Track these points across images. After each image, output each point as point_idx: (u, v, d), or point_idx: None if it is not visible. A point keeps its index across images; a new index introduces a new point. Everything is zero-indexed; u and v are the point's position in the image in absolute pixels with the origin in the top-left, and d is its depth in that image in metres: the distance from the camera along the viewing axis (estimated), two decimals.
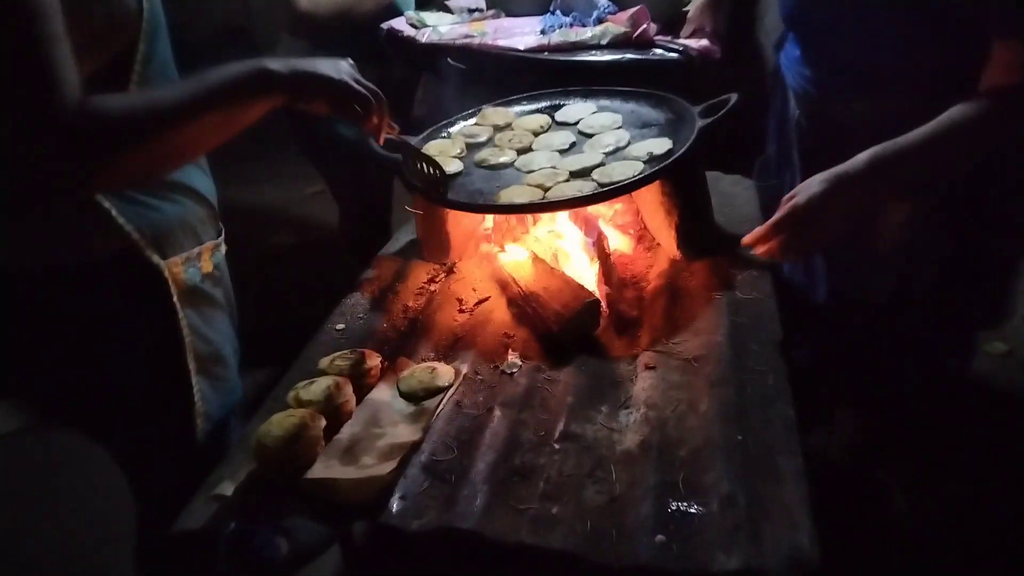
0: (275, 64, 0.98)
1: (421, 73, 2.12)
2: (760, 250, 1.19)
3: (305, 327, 1.33)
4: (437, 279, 1.43)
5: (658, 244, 1.44)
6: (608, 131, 1.48)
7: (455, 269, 1.44)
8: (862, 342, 1.49)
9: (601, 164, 1.35)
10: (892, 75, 1.28)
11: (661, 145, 1.35)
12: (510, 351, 1.16)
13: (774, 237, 1.17)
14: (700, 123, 1.35)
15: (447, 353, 1.19)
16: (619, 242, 1.48)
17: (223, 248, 1.30)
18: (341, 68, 1.07)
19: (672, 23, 1.98)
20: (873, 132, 1.30)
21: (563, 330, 1.17)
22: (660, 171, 1.25)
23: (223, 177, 1.30)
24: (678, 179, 1.31)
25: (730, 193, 1.62)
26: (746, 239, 1.19)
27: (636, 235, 1.49)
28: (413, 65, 2.05)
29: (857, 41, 1.30)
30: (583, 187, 1.27)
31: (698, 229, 1.34)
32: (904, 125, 1.16)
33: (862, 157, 1.14)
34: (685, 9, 2.11)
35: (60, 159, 0.82)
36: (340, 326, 1.30)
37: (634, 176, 1.26)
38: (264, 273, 3.15)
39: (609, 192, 1.23)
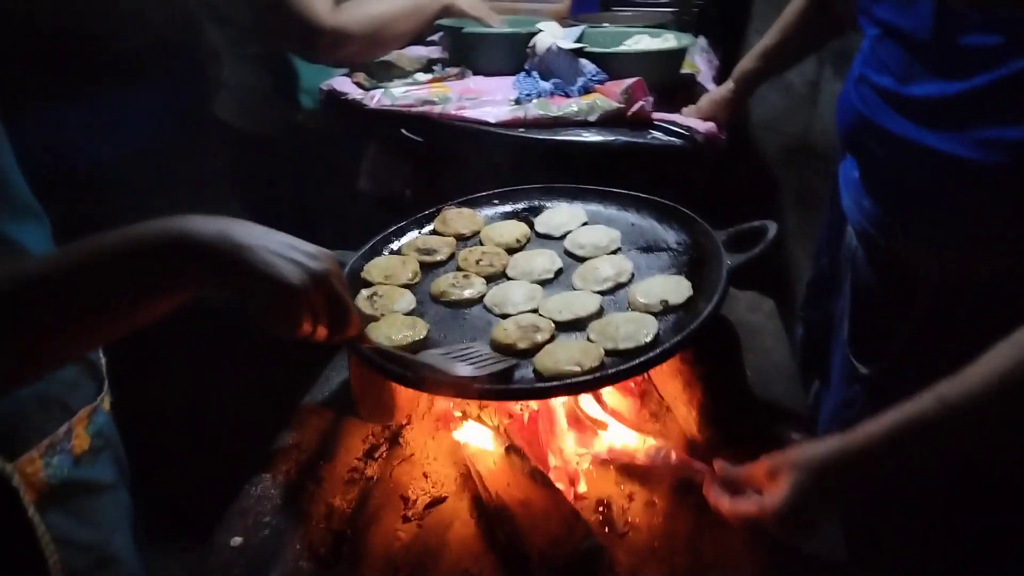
0: (203, 229, 0.66)
1: (369, 140, 1.76)
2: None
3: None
4: (377, 454, 1.07)
5: (668, 409, 1.11)
6: (604, 255, 1.15)
7: (401, 438, 1.09)
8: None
9: (599, 313, 1.02)
10: (975, 225, 0.98)
11: (678, 290, 1.02)
12: None
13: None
14: (728, 261, 1.03)
15: None
16: (617, 401, 1.15)
17: (106, 403, 0.95)
18: (299, 259, 0.72)
19: (667, 92, 1.67)
20: (951, 287, 1.00)
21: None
22: (686, 340, 0.92)
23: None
24: (704, 342, 0.98)
25: (750, 325, 1.30)
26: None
27: (639, 391, 1.15)
28: (359, 133, 1.70)
29: (931, 181, 1.00)
30: (575, 352, 0.93)
31: (727, 408, 1.01)
32: (992, 285, 0.86)
33: (833, 442, 0.78)
34: (685, 72, 1.81)
35: None
36: (237, 540, 0.94)
37: (647, 342, 0.93)
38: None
39: (616, 375, 0.90)
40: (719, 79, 1.98)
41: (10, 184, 0.80)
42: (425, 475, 1.02)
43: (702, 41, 2.11)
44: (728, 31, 2.98)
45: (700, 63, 1.98)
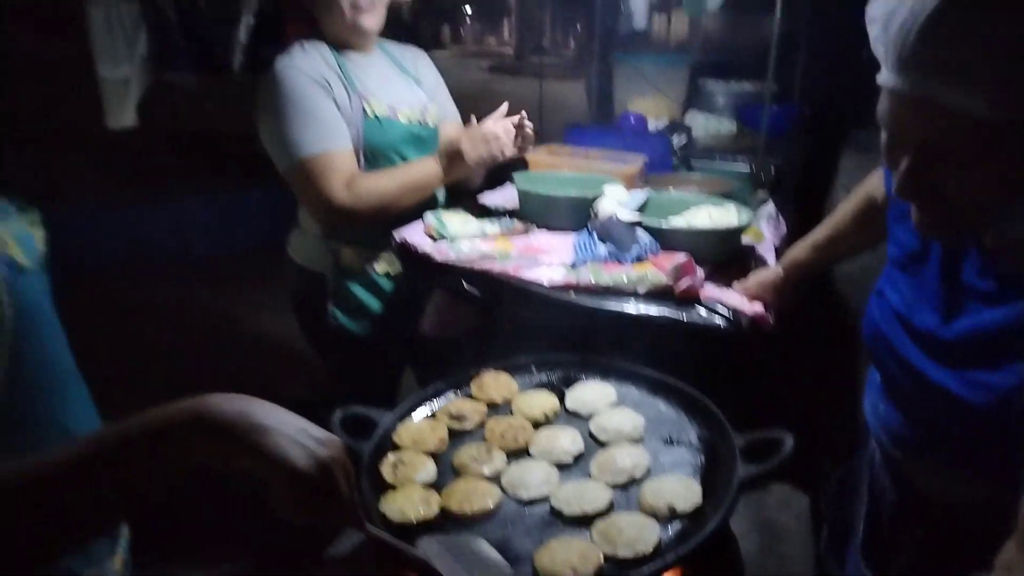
0: (223, 408, 0.73)
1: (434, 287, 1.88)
2: None
3: None
4: None
5: None
6: (624, 444, 1.17)
7: None
8: None
9: (607, 510, 1.04)
10: (968, 455, 0.96)
11: (687, 496, 1.03)
12: None
13: None
14: (740, 472, 1.03)
15: None
16: None
17: (117, 561, 0.99)
18: (309, 444, 0.77)
19: (721, 267, 1.71)
20: (956, 508, 0.97)
21: None
22: (681, 559, 0.93)
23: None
24: (705, 561, 0.98)
25: (776, 526, 1.27)
26: None
27: None
28: (425, 281, 1.82)
29: (930, 407, 0.99)
30: (574, 554, 0.95)
31: None
32: (991, 511, 0.83)
33: None
34: (745, 242, 1.85)
35: None
36: None
37: (644, 554, 0.94)
38: None
39: None
40: (785, 245, 2.00)
41: (59, 361, 0.90)
42: None
43: (770, 207, 2.15)
44: (808, 188, 3.00)
45: (765, 230, 2.01)
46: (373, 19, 1.74)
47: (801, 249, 1.55)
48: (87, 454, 0.70)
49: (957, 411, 0.93)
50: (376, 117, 1.76)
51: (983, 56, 0.70)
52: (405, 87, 1.88)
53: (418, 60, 1.98)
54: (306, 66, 1.66)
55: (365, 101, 1.74)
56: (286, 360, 3.64)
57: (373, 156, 1.77)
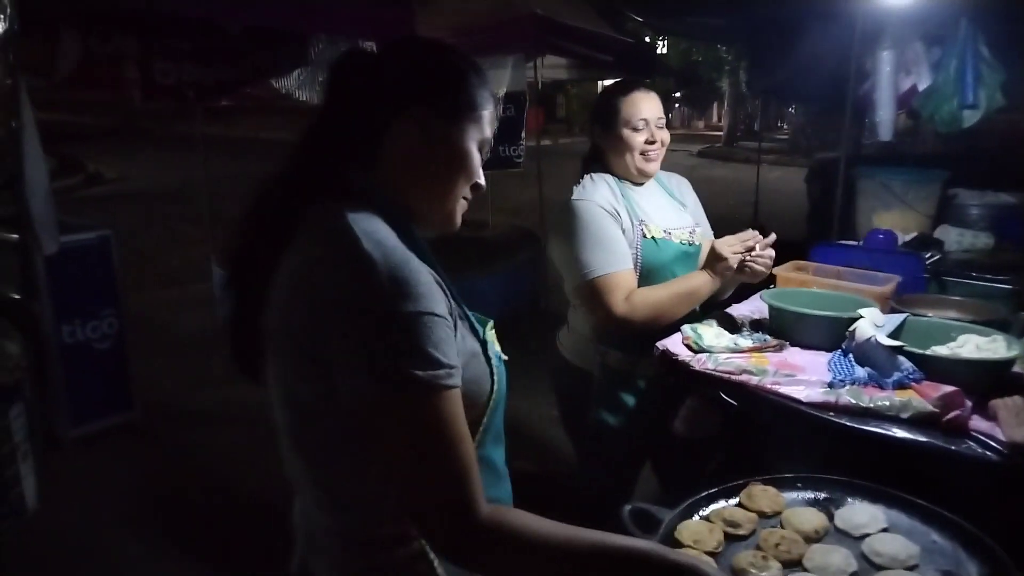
0: (668, 555, 1.01)
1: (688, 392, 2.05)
2: None
3: None
4: None
5: None
6: (900, 571, 1.25)
7: None
8: None
9: None
10: None
11: None
12: None
13: None
14: None
15: None
16: None
17: None
18: None
19: (988, 398, 1.70)
20: None
21: None
22: None
23: None
24: None
25: None
26: None
27: None
28: (682, 386, 2.00)
29: None
30: None
31: None
32: None
33: None
34: (1016, 371, 1.82)
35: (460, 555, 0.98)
36: None
37: None
38: None
39: None
40: None
41: (502, 422, 1.23)
42: None
43: None
44: None
45: None
46: (655, 165, 2.02)
47: None
48: (572, 551, 0.98)
49: None
50: (653, 239, 2.02)
51: None
52: (674, 212, 2.13)
53: (682, 186, 2.24)
54: (598, 198, 1.97)
55: (644, 226, 2.01)
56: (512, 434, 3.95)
57: (649, 272, 2.03)
